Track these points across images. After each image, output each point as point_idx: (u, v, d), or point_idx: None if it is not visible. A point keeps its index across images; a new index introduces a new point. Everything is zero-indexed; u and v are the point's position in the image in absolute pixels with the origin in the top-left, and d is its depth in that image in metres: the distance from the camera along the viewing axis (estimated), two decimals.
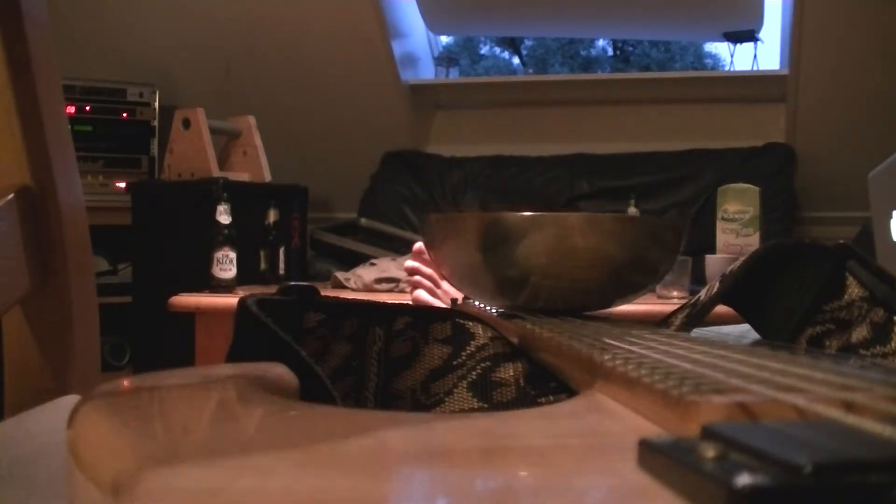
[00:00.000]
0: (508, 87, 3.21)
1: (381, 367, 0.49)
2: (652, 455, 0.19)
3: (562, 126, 2.99)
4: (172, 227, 2.34)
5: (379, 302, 0.50)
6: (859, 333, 0.47)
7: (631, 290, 0.56)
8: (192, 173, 2.46)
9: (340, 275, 2.19)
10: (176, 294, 1.88)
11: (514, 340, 0.50)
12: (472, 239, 0.54)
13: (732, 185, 1.76)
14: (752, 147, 2.65)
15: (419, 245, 1.12)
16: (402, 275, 2.02)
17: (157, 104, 2.78)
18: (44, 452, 0.51)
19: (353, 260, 2.43)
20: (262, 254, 2.35)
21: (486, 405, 0.49)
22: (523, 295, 0.54)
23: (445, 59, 3.18)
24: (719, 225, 1.76)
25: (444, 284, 1.09)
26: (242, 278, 2.04)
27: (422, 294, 1.06)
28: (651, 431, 0.25)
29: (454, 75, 3.19)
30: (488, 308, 0.59)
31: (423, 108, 3.06)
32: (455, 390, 0.49)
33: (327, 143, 3.02)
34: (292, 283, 0.48)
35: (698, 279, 1.68)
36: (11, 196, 0.65)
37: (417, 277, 1.09)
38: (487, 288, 0.55)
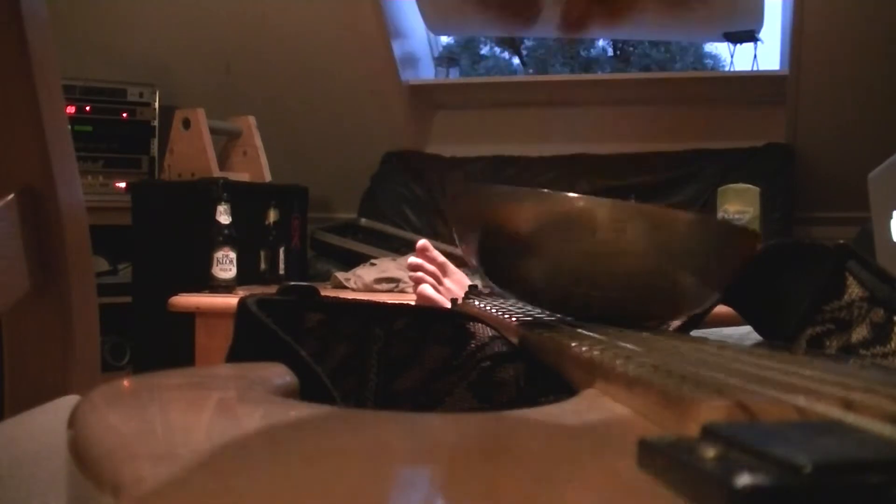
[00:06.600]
0: (508, 87, 3.21)
1: (381, 367, 0.49)
2: (652, 455, 0.19)
3: (562, 126, 2.98)
4: (172, 227, 2.33)
5: (379, 302, 0.50)
6: (859, 333, 0.47)
7: (691, 306, 0.51)
8: (192, 173, 2.46)
9: (340, 275, 2.19)
10: (176, 294, 1.88)
11: (514, 340, 0.50)
12: (512, 218, 0.48)
13: (732, 185, 1.75)
14: (752, 147, 2.65)
15: (423, 242, 1.12)
16: (402, 275, 2.02)
17: (157, 104, 2.78)
18: (44, 452, 0.51)
19: (353, 260, 2.43)
20: (262, 254, 2.35)
21: (486, 405, 0.49)
22: (566, 291, 0.49)
23: (445, 59, 3.17)
24: None
25: (447, 282, 1.09)
26: (242, 278, 2.04)
27: (426, 288, 1.07)
28: (651, 431, 0.25)
29: (454, 75, 3.19)
30: (500, 314, 0.58)
31: (423, 108, 3.06)
32: (455, 390, 0.49)
33: (327, 143, 3.01)
34: (292, 283, 0.48)
35: None
36: (11, 196, 0.65)
37: (421, 273, 1.09)
38: (532, 283, 0.50)
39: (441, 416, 0.27)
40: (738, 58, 2.94)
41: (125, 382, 0.29)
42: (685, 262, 0.47)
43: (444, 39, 3.34)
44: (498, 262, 0.52)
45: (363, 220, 2.76)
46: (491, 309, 0.63)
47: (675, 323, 0.55)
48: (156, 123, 2.77)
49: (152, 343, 2.29)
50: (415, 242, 1.16)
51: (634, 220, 0.46)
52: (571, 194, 0.47)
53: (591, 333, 0.43)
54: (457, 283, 1.08)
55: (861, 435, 0.19)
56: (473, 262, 0.54)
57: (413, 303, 0.96)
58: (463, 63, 3.61)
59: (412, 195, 2.86)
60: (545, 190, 0.48)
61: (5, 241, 0.64)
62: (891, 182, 0.93)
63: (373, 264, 2.24)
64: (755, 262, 0.51)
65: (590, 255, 0.47)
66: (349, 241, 2.63)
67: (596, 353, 0.34)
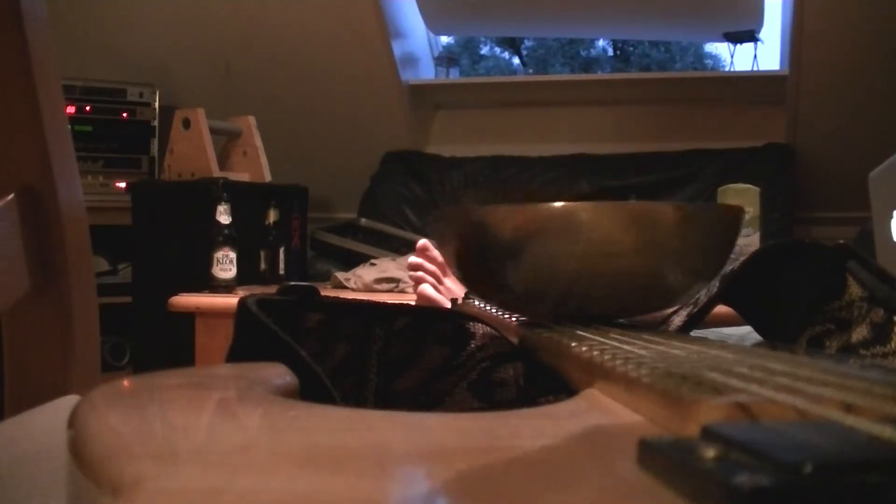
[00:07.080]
0: (508, 87, 3.21)
1: (381, 367, 0.49)
2: (652, 455, 0.19)
3: (562, 126, 2.98)
4: (172, 227, 2.34)
5: (379, 302, 0.50)
6: (859, 333, 0.47)
7: (681, 294, 0.51)
8: (192, 173, 2.46)
9: (340, 275, 2.19)
10: (176, 294, 1.88)
11: (514, 340, 0.50)
12: (492, 235, 0.48)
13: (732, 185, 1.75)
14: (752, 147, 2.65)
15: (423, 242, 1.12)
16: (402, 275, 2.02)
17: (157, 104, 2.78)
18: (44, 452, 0.51)
19: (353, 260, 2.43)
20: (262, 254, 2.35)
21: (486, 405, 0.49)
22: (559, 300, 0.49)
23: (445, 59, 3.17)
24: None
25: (447, 281, 1.09)
26: (242, 278, 2.04)
27: (427, 288, 1.07)
28: (651, 431, 0.25)
29: (454, 75, 3.19)
30: (505, 315, 0.58)
31: (423, 108, 3.06)
32: (455, 390, 0.49)
33: (327, 143, 3.01)
34: (292, 283, 0.48)
35: None
36: (11, 196, 0.65)
37: (421, 273, 1.09)
38: (512, 294, 0.50)
39: (441, 416, 0.27)
40: (738, 58, 2.95)
41: (125, 382, 0.29)
42: (673, 252, 0.48)
43: (444, 39, 3.34)
44: (484, 278, 0.53)
45: (363, 220, 2.76)
46: (491, 309, 0.63)
47: (676, 323, 0.55)
48: (156, 123, 2.77)
49: (152, 343, 2.29)
50: (415, 242, 1.16)
51: (617, 219, 0.47)
52: (549, 204, 0.47)
53: (590, 334, 0.43)
54: (457, 282, 1.08)
55: (861, 435, 0.19)
56: (462, 281, 0.54)
57: (413, 303, 0.96)
58: (463, 63, 3.62)
59: (412, 195, 2.86)
60: (509, 206, 0.48)
61: (5, 241, 0.64)
62: (891, 182, 0.93)
63: (373, 264, 2.24)
64: (755, 262, 0.51)
65: (578, 259, 0.47)
66: (349, 241, 2.63)
67: (596, 353, 0.34)
